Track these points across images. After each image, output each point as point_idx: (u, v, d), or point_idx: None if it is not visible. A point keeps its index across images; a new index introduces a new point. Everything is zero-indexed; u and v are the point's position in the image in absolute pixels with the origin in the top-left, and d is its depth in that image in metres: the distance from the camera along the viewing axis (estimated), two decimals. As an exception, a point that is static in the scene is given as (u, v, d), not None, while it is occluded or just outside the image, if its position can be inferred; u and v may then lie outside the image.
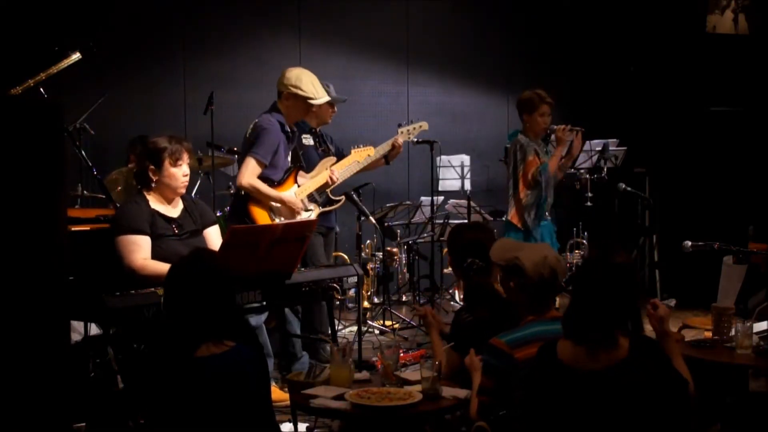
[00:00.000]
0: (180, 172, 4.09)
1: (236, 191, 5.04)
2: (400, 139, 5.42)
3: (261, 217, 4.87)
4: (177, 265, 2.96)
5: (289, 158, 5.06)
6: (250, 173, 4.82)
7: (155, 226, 4.02)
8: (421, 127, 5.55)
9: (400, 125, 5.54)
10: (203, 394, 2.75)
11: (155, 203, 4.10)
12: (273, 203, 4.91)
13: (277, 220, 4.89)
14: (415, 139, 6.44)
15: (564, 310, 2.73)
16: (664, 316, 3.00)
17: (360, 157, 5.33)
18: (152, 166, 4.08)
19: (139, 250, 3.91)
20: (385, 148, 5.38)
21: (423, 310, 3.73)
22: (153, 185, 4.09)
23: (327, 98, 5.12)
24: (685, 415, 2.65)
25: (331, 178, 5.08)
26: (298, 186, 5.04)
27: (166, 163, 4.06)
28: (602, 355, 2.56)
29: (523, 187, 5.32)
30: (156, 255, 3.95)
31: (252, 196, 4.87)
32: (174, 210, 4.16)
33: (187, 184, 4.17)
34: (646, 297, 7.71)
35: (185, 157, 4.12)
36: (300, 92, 4.92)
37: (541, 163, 5.31)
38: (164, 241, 4.02)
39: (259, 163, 4.83)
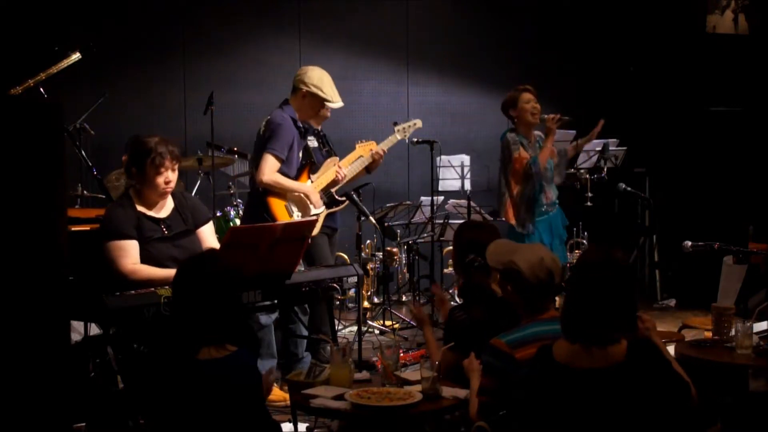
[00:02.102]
0: (162, 180, 3.95)
1: (253, 188, 5.03)
2: (382, 149, 5.36)
3: (279, 210, 4.89)
4: (186, 266, 2.96)
5: (301, 154, 5.07)
6: (269, 169, 4.84)
7: (142, 229, 3.93)
8: (415, 125, 5.61)
9: (396, 123, 5.57)
10: (202, 396, 2.76)
11: (141, 205, 4.00)
12: (293, 195, 4.93)
13: (294, 215, 4.91)
14: (415, 139, 6.45)
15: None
16: (651, 327, 3.00)
17: (365, 151, 5.34)
18: (134, 169, 3.96)
19: (127, 255, 3.86)
20: (367, 159, 5.34)
21: (416, 310, 3.79)
22: (137, 186, 3.99)
23: (341, 103, 5.13)
24: (686, 418, 2.65)
25: (338, 175, 5.09)
26: (312, 182, 5.06)
27: (147, 169, 3.91)
28: (598, 354, 2.56)
29: (514, 184, 5.32)
30: (145, 258, 3.89)
31: (269, 191, 4.88)
32: (162, 210, 4.07)
33: (170, 189, 4.02)
34: (646, 297, 7.77)
35: (168, 164, 3.94)
36: (321, 94, 4.94)
37: (530, 156, 5.31)
38: (153, 244, 3.94)
39: (277, 158, 4.86)
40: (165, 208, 4.08)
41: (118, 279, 3.83)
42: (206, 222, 4.21)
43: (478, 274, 3.47)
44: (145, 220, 3.97)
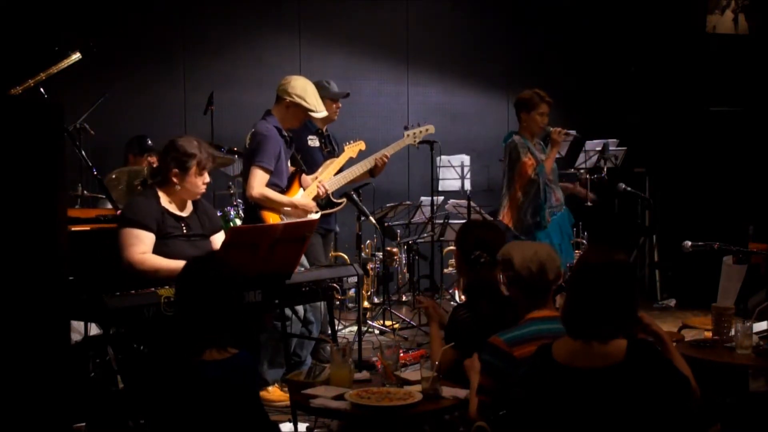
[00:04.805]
0: (201, 181, 4.11)
1: (246, 202, 5.00)
2: (386, 154, 5.39)
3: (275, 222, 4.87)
4: (191, 268, 2.95)
5: (289, 163, 5.06)
6: (258, 183, 4.79)
7: (164, 224, 4.00)
8: (427, 130, 5.54)
9: (406, 128, 5.53)
10: (202, 397, 2.75)
11: (166, 201, 4.08)
12: (286, 209, 4.92)
13: None
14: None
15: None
16: (650, 322, 2.99)
17: (353, 152, 5.36)
18: (176, 170, 4.04)
19: (140, 244, 3.90)
20: (370, 162, 5.35)
21: (425, 303, 3.77)
22: (176, 187, 4.07)
23: (326, 113, 5.11)
24: (687, 417, 2.65)
25: (318, 191, 5.08)
26: (304, 190, 5.06)
27: (192, 170, 4.05)
28: (598, 352, 2.55)
29: (518, 187, 5.31)
30: (161, 254, 3.93)
31: (261, 205, 4.87)
32: (184, 210, 4.15)
33: (204, 190, 4.18)
34: (646, 297, 7.77)
35: (209, 165, 4.15)
36: (304, 104, 4.92)
37: (538, 163, 5.31)
38: (172, 240, 4.00)
39: (266, 170, 4.82)
40: (187, 209, 4.16)
41: (125, 267, 3.86)
42: (219, 230, 4.30)
43: (484, 271, 3.48)
44: (168, 216, 4.04)
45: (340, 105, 5.51)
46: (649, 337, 2.90)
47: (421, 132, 5.52)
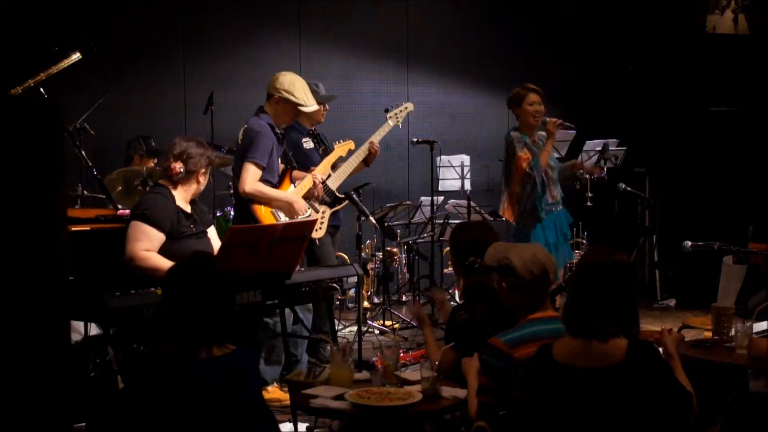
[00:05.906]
0: (206, 180, 4.29)
1: (237, 197, 5.01)
2: (376, 139, 5.42)
3: (266, 217, 4.88)
4: (175, 269, 2.95)
5: (279, 160, 5.08)
6: (251, 179, 4.82)
7: (179, 224, 4.06)
8: (406, 108, 5.59)
9: (387, 110, 5.56)
10: (198, 394, 2.75)
11: (180, 200, 4.15)
12: (278, 203, 4.92)
13: (282, 220, 4.90)
14: (415, 139, 6.46)
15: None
16: (677, 340, 2.99)
17: (342, 151, 5.39)
18: (204, 170, 4.21)
19: (146, 240, 3.93)
20: (363, 152, 5.38)
21: (413, 311, 3.79)
22: (196, 186, 4.21)
23: (316, 107, 5.13)
24: (685, 421, 2.65)
25: (314, 180, 5.09)
26: (295, 186, 5.06)
27: (208, 170, 4.25)
28: (598, 352, 2.56)
29: (515, 182, 5.32)
30: (172, 251, 3.95)
31: (255, 199, 4.88)
32: (188, 207, 4.22)
33: None
34: (646, 297, 7.77)
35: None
36: (292, 98, 4.95)
37: (532, 158, 5.31)
38: (184, 240, 4.05)
39: (259, 166, 4.83)
40: (188, 206, 4.22)
41: (126, 258, 3.89)
42: (211, 223, 4.37)
43: (479, 275, 3.47)
44: (182, 215, 4.11)
45: (327, 108, 5.54)
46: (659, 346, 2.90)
47: (401, 111, 5.56)
